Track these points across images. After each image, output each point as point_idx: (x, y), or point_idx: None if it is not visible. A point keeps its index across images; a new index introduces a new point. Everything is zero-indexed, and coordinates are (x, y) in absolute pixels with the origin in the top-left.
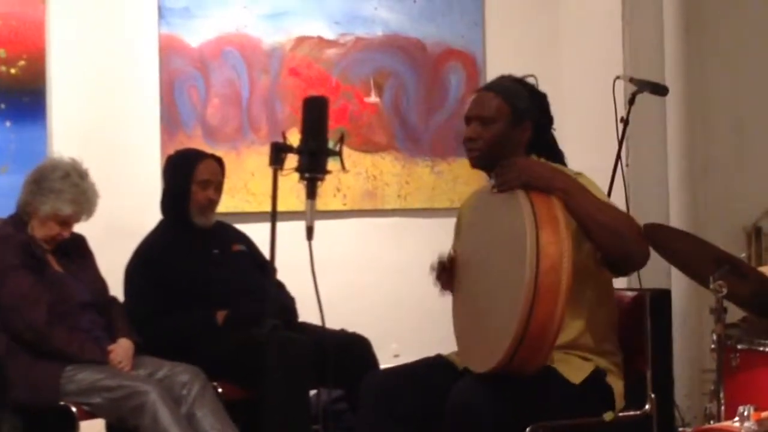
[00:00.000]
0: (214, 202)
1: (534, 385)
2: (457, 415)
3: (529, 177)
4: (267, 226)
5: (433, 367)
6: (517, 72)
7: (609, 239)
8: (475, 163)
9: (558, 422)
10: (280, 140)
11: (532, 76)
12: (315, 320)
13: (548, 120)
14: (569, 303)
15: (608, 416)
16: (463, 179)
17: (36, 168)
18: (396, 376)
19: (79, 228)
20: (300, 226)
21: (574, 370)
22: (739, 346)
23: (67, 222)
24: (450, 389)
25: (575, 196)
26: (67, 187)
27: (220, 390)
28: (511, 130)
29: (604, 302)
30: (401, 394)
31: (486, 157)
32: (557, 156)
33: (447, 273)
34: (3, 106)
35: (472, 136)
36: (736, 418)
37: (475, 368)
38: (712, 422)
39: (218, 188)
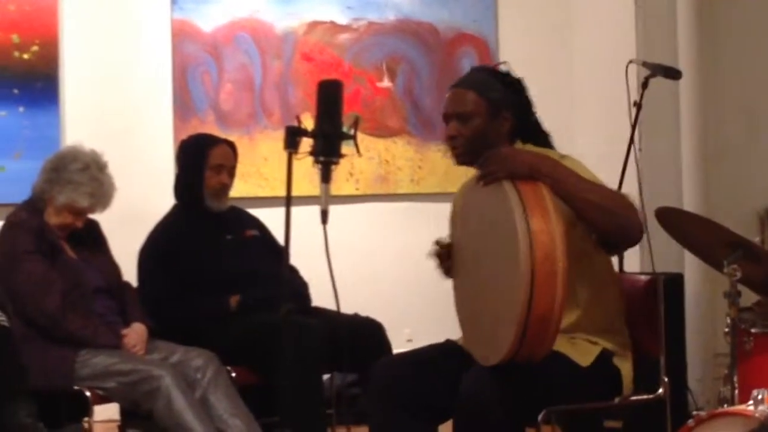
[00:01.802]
0: (227, 187)
1: (543, 371)
2: (469, 406)
3: (512, 166)
4: (280, 210)
5: (442, 353)
6: (530, 56)
7: (601, 218)
8: (460, 161)
9: (572, 406)
10: (294, 124)
11: (503, 63)
12: (328, 305)
13: (527, 105)
14: (569, 286)
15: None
16: None
17: (56, 155)
18: (406, 362)
19: (92, 213)
20: (312, 210)
21: (582, 353)
22: (752, 330)
23: (81, 213)
24: (460, 374)
25: (562, 180)
26: (86, 180)
27: (233, 374)
28: (490, 122)
29: (605, 282)
30: (411, 380)
31: (469, 152)
32: (543, 139)
33: (448, 259)
34: (16, 91)
35: (453, 134)
36: (750, 402)
37: (482, 362)
38: (725, 406)
39: (231, 173)
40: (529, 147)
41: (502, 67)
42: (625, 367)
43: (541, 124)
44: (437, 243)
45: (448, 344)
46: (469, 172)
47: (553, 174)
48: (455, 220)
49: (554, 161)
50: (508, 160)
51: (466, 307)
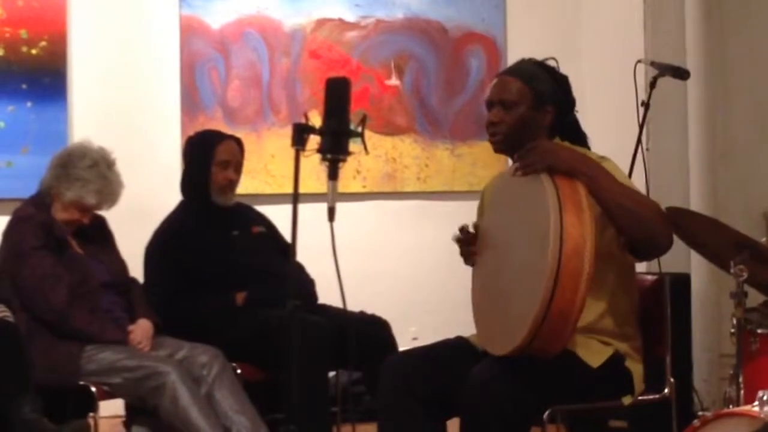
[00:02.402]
0: (233, 183)
1: (553, 368)
2: (476, 397)
3: (553, 160)
4: (286, 207)
5: (453, 349)
6: (538, 55)
7: (633, 224)
8: (498, 148)
9: (577, 405)
10: (302, 122)
11: (552, 58)
12: (335, 302)
13: (570, 103)
14: (591, 286)
15: (626, 400)
16: (482, 162)
17: (64, 151)
18: (417, 358)
19: (99, 210)
20: (319, 207)
21: (594, 353)
22: (759, 331)
23: (88, 210)
24: (469, 371)
25: (599, 181)
26: (94, 177)
27: (239, 371)
28: (533, 113)
29: (626, 287)
30: (422, 376)
31: (509, 140)
32: (581, 138)
33: (473, 244)
34: (24, 86)
35: (494, 120)
36: (756, 403)
37: (493, 351)
38: (731, 407)
39: (238, 168)
40: (567, 145)
41: (551, 62)
42: (637, 369)
43: (579, 123)
44: (462, 229)
45: (459, 341)
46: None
47: (590, 174)
48: (483, 209)
49: (593, 161)
50: (548, 153)
51: (484, 294)
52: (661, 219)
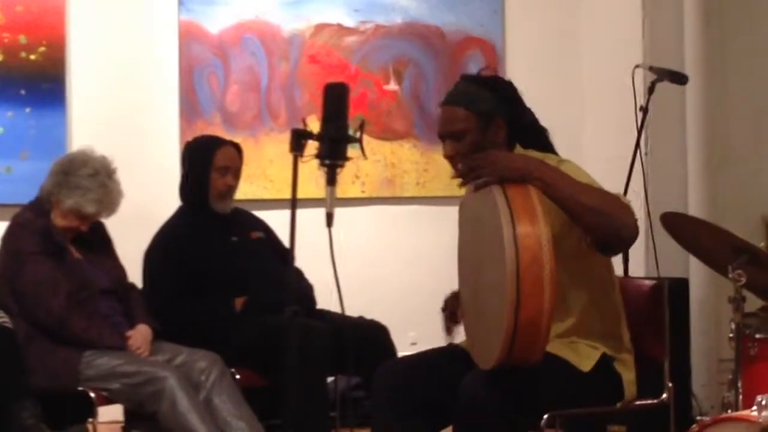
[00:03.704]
0: (232, 188)
1: (543, 375)
2: (469, 408)
3: (503, 170)
4: (285, 213)
5: (446, 357)
6: (537, 60)
7: (594, 220)
8: (463, 181)
9: (575, 410)
10: (300, 127)
11: (487, 68)
12: (333, 307)
13: (519, 106)
14: (568, 288)
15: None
16: None
17: (66, 158)
18: (409, 366)
19: (98, 219)
20: (318, 213)
21: (583, 358)
22: (757, 336)
23: (87, 218)
24: (461, 378)
25: (553, 183)
26: (95, 186)
27: (238, 376)
28: (483, 135)
29: (604, 286)
30: (414, 384)
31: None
32: (542, 140)
33: (453, 316)
34: (23, 92)
35: (450, 154)
36: (754, 408)
37: (481, 365)
38: (729, 411)
39: (236, 174)
40: (531, 153)
41: (487, 72)
42: (626, 372)
43: (537, 122)
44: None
45: (452, 348)
46: None
47: (543, 177)
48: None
49: (545, 164)
50: (497, 164)
51: (468, 312)
52: (623, 210)
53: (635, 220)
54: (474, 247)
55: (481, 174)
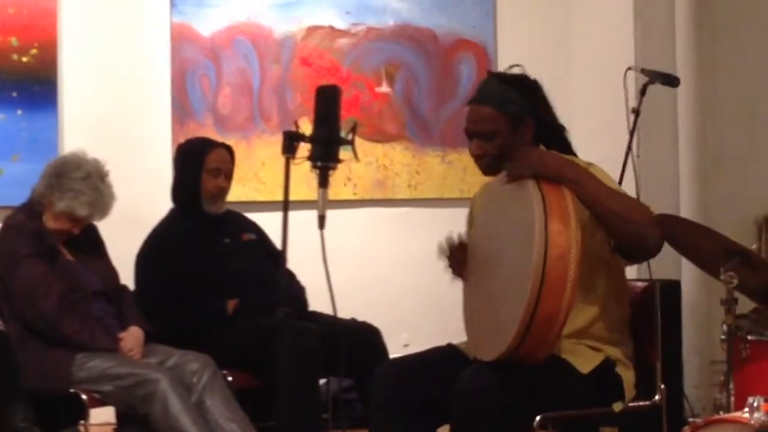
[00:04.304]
0: (224, 191)
1: (543, 375)
2: (466, 402)
3: (539, 167)
4: (277, 215)
5: (444, 357)
6: (528, 63)
7: (622, 226)
8: (488, 173)
9: (567, 412)
10: (292, 129)
11: (517, 65)
12: (325, 309)
13: (546, 105)
14: (581, 291)
15: (617, 406)
16: (473, 169)
17: (58, 160)
18: (408, 366)
19: (90, 222)
20: (310, 215)
21: (584, 360)
22: (749, 337)
23: (79, 221)
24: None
25: (586, 186)
26: (87, 190)
27: (230, 378)
28: (512, 135)
29: (617, 292)
30: (413, 384)
31: (496, 165)
32: (562, 138)
33: (459, 257)
34: (15, 94)
35: (478, 153)
36: (746, 409)
37: (482, 356)
38: (721, 413)
39: (228, 176)
40: (553, 152)
41: (516, 70)
42: (628, 375)
43: (557, 120)
44: (449, 241)
45: (450, 348)
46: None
47: (577, 179)
48: (473, 219)
49: (579, 167)
50: (534, 160)
51: (474, 301)
52: (651, 221)
53: (660, 233)
54: (494, 238)
55: (517, 167)
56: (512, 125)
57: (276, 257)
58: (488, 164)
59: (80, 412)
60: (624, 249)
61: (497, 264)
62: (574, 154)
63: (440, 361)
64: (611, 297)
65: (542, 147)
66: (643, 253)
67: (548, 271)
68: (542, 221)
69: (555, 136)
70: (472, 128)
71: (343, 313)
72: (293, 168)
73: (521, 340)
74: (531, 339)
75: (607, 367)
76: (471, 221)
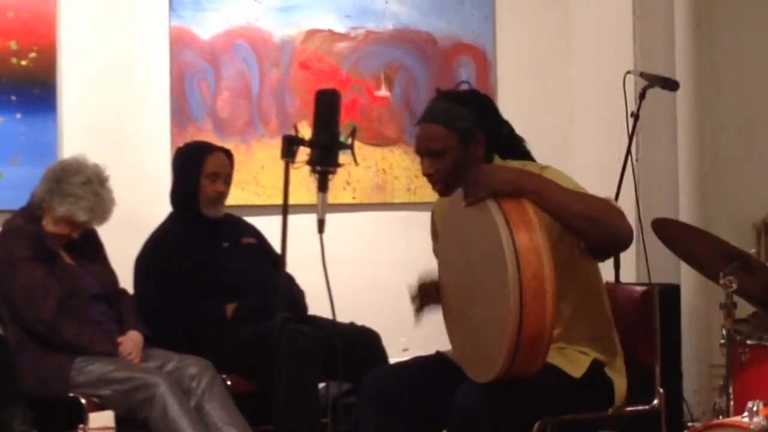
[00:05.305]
0: (223, 195)
1: (535, 383)
2: (464, 420)
3: (496, 186)
4: (276, 219)
5: (432, 365)
6: (527, 66)
7: (589, 227)
8: (443, 193)
9: (566, 417)
10: (292, 133)
11: (465, 82)
12: (325, 313)
13: (496, 119)
14: (557, 303)
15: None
16: None
17: (59, 165)
18: (396, 373)
19: (90, 227)
20: (309, 219)
21: (574, 364)
22: (748, 342)
23: (79, 226)
24: (449, 385)
25: (546, 194)
26: (87, 195)
27: (229, 382)
28: (463, 152)
29: (591, 291)
30: (402, 391)
31: (450, 184)
32: (520, 150)
33: (431, 295)
34: (14, 98)
35: (430, 172)
36: (745, 414)
37: (475, 378)
38: (720, 417)
39: (227, 180)
40: (511, 162)
41: (464, 86)
42: (617, 377)
43: (513, 132)
44: (420, 281)
45: (438, 356)
46: None
47: (538, 189)
48: (437, 235)
49: (536, 175)
50: (490, 179)
51: (456, 326)
52: (616, 214)
53: (628, 223)
54: (462, 262)
55: (474, 190)
56: (462, 142)
57: (275, 261)
58: (442, 184)
59: (79, 416)
60: (594, 248)
61: (474, 294)
62: (532, 159)
63: (429, 369)
64: (587, 297)
65: (498, 158)
66: (616, 248)
67: (525, 293)
68: (510, 243)
69: (509, 146)
70: (422, 147)
71: (343, 317)
72: (292, 172)
73: (510, 365)
74: (519, 361)
75: (596, 369)
76: (435, 234)
